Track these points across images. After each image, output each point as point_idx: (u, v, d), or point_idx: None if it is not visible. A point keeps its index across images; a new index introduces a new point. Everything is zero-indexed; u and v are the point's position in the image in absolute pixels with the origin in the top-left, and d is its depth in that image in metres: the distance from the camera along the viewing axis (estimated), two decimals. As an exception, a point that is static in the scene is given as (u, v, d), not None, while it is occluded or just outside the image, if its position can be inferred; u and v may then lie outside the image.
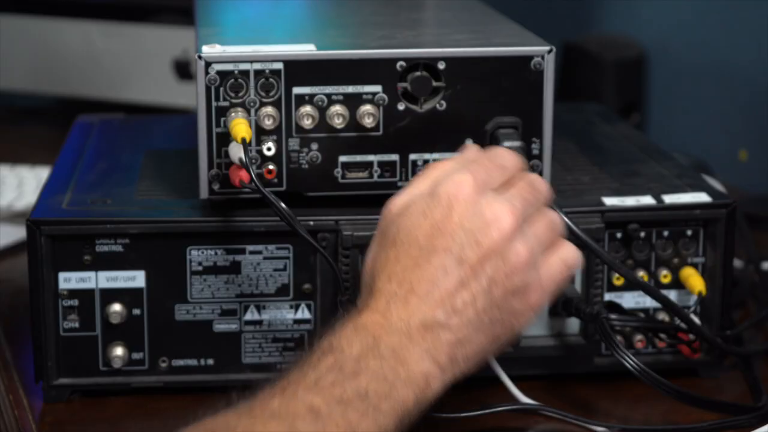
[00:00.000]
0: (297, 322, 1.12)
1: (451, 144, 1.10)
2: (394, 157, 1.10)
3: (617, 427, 1.06)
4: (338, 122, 1.07)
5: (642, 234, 1.13)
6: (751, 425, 1.06)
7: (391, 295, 0.91)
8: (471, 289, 0.90)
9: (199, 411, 0.88)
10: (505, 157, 0.98)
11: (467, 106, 1.09)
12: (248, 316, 1.11)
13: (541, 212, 0.96)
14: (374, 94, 1.08)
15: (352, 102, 1.08)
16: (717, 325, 1.14)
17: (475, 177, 0.93)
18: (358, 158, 1.10)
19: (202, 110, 1.07)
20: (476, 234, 0.91)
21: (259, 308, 1.11)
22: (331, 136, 1.09)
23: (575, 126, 1.39)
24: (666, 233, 1.14)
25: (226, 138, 1.07)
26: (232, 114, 1.07)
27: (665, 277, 1.14)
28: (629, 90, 1.84)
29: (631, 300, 1.14)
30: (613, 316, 1.08)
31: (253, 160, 1.08)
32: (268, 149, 1.08)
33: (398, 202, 0.96)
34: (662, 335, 1.13)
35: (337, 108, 1.07)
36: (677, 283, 1.14)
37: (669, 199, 1.14)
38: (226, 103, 1.07)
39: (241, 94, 1.07)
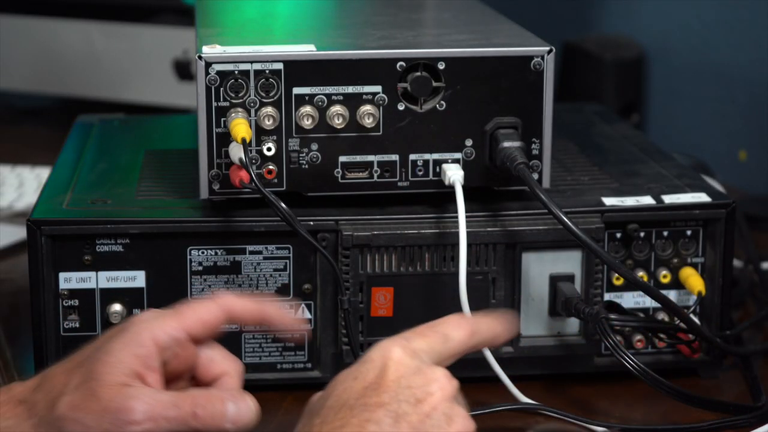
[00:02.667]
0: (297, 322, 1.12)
1: (451, 144, 1.10)
2: (394, 157, 1.10)
3: (617, 427, 1.06)
4: (338, 122, 1.07)
5: (642, 234, 1.13)
6: (751, 425, 1.06)
7: None
8: None
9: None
10: (450, 325, 0.90)
11: (467, 106, 1.09)
12: (248, 316, 1.11)
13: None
14: (374, 94, 1.08)
15: (352, 102, 1.08)
16: (716, 325, 1.14)
17: (409, 340, 0.87)
18: (358, 158, 1.10)
19: (202, 110, 1.07)
20: (415, 391, 0.84)
21: (259, 308, 1.11)
22: (331, 136, 1.09)
23: (575, 126, 1.39)
24: (666, 233, 1.14)
25: (226, 138, 1.07)
26: (233, 114, 1.07)
27: (665, 277, 1.14)
28: (629, 90, 1.84)
29: (630, 300, 1.14)
30: (613, 316, 1.08)
31: (253, 160, 1.08)
32: (268, 149, 1.08)
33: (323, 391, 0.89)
34: (662, 335, 1.13)
35: (337, 108, 1.07)
36: (677, 283, 1.14)
37: (669, 199, 1.14)
38: (227, 104, 1.07)
39: (241, 95, 1.07)
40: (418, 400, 0.84)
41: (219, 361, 0.95)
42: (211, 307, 0.94)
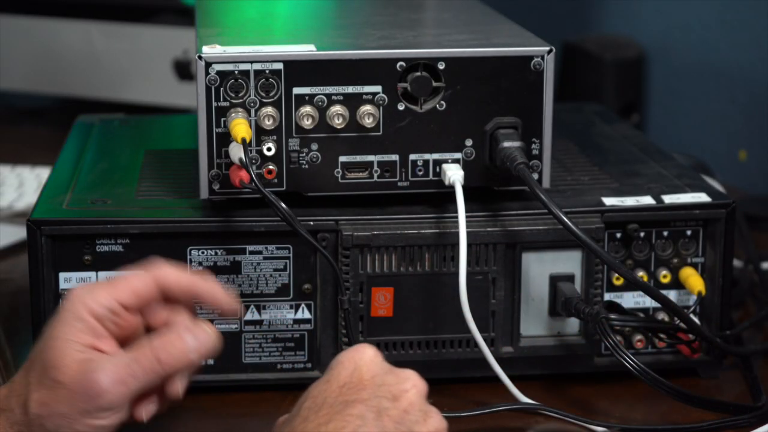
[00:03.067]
0: (297, 322, 1.12)
1: (451, 144, 1.10)
2: (394, 157, 1.10)
3: (617, 427, 1.06)
4: (338, 122, 1.08)
5: (642, 234, 1.13)
6: (751, 425, 1.06)
7: None
8: None
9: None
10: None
11: (467, 106, 1.09)
12: (248, 316, 1.12)
13: None
14: (374, 94, 1.08)
15: (352, 102, 1.08)
16: (716, 325, 1.14)
17: (375, 349, 0.90)
18: (358, 158, 1.10)
19: (202, 110, 1.07)
20: (391, 388, 0.87)
21: (259, 308, 1.11)
22: (331, 136, 1.09)
23: (575, 126, 1.39)
24: (666, 233, 1.14)
25: (226, 138, 1.07)
26: (233, 114, 1.07)
27: (665, 277, 1.14)
28: (629, 90, 1.84)
29: (630, 300, 1.14)
30: (613, 316, 1.08)
31: (253, 160, 1.08)
32: (268, 149, 1.08)
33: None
34: (662, 335, 1.13)
35: (337, 108, 1.07)
36: (677, 283, 1.14)
37: (669, 199, 1.14)
38: (227, 104, 1.07)
39: (241, 95, 1.07)
40: (395, 397, 0.87)
41: (159, 310, 0.97)
42: (144, 278, 0.95)
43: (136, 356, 0.92)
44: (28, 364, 0.95)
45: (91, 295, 0.94)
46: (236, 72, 1.07)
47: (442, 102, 1.09)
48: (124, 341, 0.95)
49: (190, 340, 0.93)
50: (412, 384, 0.88)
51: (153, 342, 0.93)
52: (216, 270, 1.10)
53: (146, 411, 0.95)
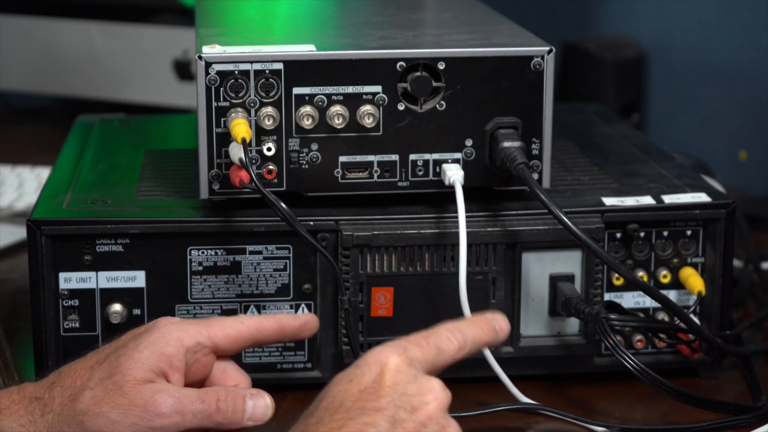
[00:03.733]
0: (297, 322, 1.12)
1: (451, 144, 1.10)
2: (394, 157, 1.10)
3: (617, 427, 1.06)
4: (338, 122, 1.08)
5: (642, 234, 1.13)
6: (751, 425, 1.06)
7: None
8: None
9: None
10: (442, 338, 0.90)
11: (467, 106, 1.09)
12: (248, 316, 1.11)
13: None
14: (374, 94, 1.08)
15: (352, 102, 1.08)
16: (716, 325, 1.14)
17: (406, 348, 0.88)
18: (358, 158, 1.10)
19: (202, 110, 1.07)
20: (411, 399, 0.85)
21: (259, 308, 1.11)
22: (331, 136, 1.09)
23: (575, 126, 1.39)
24: (666, 233, 1.14)
25: (226, 138, 1.07)
26: (233, 114, 1.07)
27: (665, 277, 1.14)
28: (629, 90, 1.84)
29: (630, 300, 1.14)
30: (613, 316, 1.08)
31: (253, 161, 1.08)
32: (268, 149, 1.08)
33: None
34: (662, 335, 1.13)
35: (337, 108, 1.08)
36: (677, 283, 1.14)
37: (669, 199, 1.14)
38: (227, 104, 1.07)
39: (241, 95, 1.07)
40: (414, 408, 0.85)
41: (231, 373, 0.99)
42: (237, 325, 0.98)
43: (201, 396, 0.94)
44: (91, 362, 0.95)
45: (187, 326, 0.97)
46: (236, 72, 1.07)
47: (442, 102, 1.09)
48: (191, 383, 0.97)
49: (249, 404, 0.95)
50: (433, 396, 0.86)
51: (219, 390, 0.95)
52: (216, 270, 1.10)
53: None
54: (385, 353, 0.87)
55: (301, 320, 1.01)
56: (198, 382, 0.98)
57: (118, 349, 0.95)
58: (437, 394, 0.86)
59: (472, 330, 0.91)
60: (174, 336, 0.95)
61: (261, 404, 0.96)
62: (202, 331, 0.97)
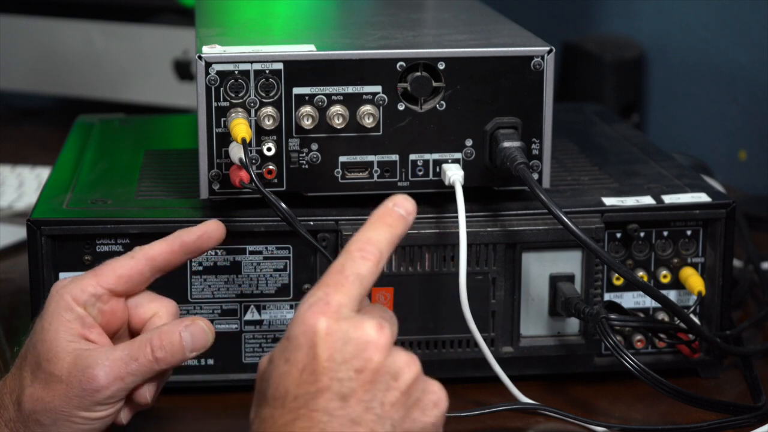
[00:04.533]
0: (297, 322, 1.12)
1: (451, 144, 1.10)
2: (394, 157, 1.10)
3: (617, 427, 1.06)
4: (338, 122, 1.08)
5: (642, 234, 1.13)
6: (751, 425, 1.06)
7: None
8: (367, 424, 0.80)
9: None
10: (357, 262, 0.85)
11: (467, 106, 1.09)
12: (248, 316, 1.12)
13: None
14: (374, 94, 1.08)
15: (352, 102, 1.08)
16: (717, 325, 1.14)
17: (328, 302, 0.82)
18: (358, 158, 1.10)
19: (202, 110, 1.07)
20: (352, 362, 0.80)
21: (259, 308, 1.11)
22: (331, 136, 1.09)
23: (575, 126, 1.39)
24: (666, 233, 1.14)
25: (226, 138, 1.07)
26: (233, 114, 1.07)
27: (665, 277, 1.14)
28: (629, 90, 1.84)
29: (630, 300, 1.14)
30: (613, 316, 1.08)
31: (253, 161, 1.08)
32: (268, 149, 1.08)
33: (269, 354, 0.85)
34: (662, 335, 1.13)
35: (337, 108, 1.07)
36: (677, 283, 1.14)
37: (669, 199, 1.14)
38: (227, 104, 1.07)
39: (241, 95, 1.07)
40: (357, 371, 0.80)
41: (145, 304, 0.98)
42: (127, 262, 0.96)
43: (132, 353, 0.92)
44: (19, 360, 0.95)
45: (75, 284, 0.95)
46: (236, 72, 1.07)
47: (442, 102, 1.09)
48: (112, 332, 0.96)
49: (186, 337, 0.94)
50: (373, 347, 0.81)
51: (150, 338, 0.93)
52: (216, 270, 1.10)
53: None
54: (310, 319, 0.81)
55: (198, 231, 0.99)
56: (119, 327, 0.97)
57: (33, 337, 0.94)
58: (375, 343, 0.81)
59: (382, 233, 0.86)
60: (66, 300, 0.94)
61: (198, 331, 0.94)
62: (92, 282, 0.95)
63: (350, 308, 0.83)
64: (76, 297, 0.94)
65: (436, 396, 0.83)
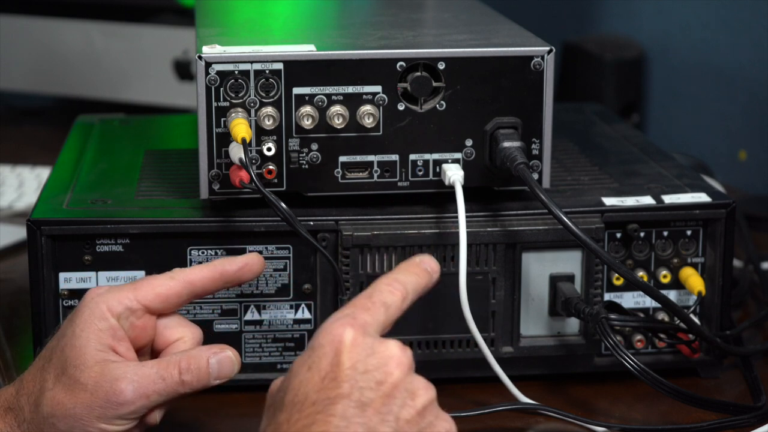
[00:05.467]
0: (297, 322, 1.12)
1: (451, 144, 1.10)
2: (394, 157, 1.10)
3: (617, 427, 1.06)
4: (338, 122, 1.07)
5: (642, 234, 1.13)
6: (751, 425, 1.06)
7: None
8: None
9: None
10: (384, 293, 0.88)
11: (467, 106, 1.09)
12: (248, 316, 1.12)
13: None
14: (374, 94, 1.08)
15: (352, 102, 1.08)
16: (717, 325, 1.14)
17: (355, 317, 0.85)
18: (358, 158, 1.10)
19: (202, 110, 1.07)
20: (374, 374, 0.82)
21: (259, 308, 1.11)
22: (331, 136, 1.09)
23: (575, 126, 1.39)
24: (666, 233, 1.14)
25: (226, 138, 1.07)
26: (233, 114, 1.07)
27: (665, 277, 1.14)
28: (629, 90, 1.84)
29: (630, 300, 1.14)
30: (613, 316, 1.08)
31: (253, 161, 1.08)
32: (268, 149, 1.08)
33: (282, 377, 0.88)
34: (662, 335, 1.13)
35: (337, 108, 1.07)
36: (677, 283, 1.14)
37: (669, 199, 1.14)
38: (226, 104, 1.07)
39: (241, 95, 1.07)
40: (378, 383, 0.82)
41: (173, 327, 0.98)
42: (166, 282, 0.97)
43: (161, 373, 0.93)
44: (42, 362, 0.94)
45: (112, 294, 0.95)
46: (236, 72, 1.07)
47: (442, 102, 1.09)
48: (137, 348, 0.96)
49: (214, 365, 0.95)
50: (395, 363, 0.83)
51: (179, 360, 0.94)
52: (216, 270, 1.10)
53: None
54: (337, 329, 0.84)
55: (240, 262, 0.99)
56: (145, 345, 0.97)
57: (60, 342, 0.94)
58: (398, 359, 0.84)
59: (409, 277, 0.90)
60: (101, 309, 0.94)
61: (225, 360, 0.95)
62: (129, 296, 0.95)
63: (375, 329, 0.86)
64: (112, 308, 0.94)
65: (449, 425, 0.85)
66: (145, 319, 0.96)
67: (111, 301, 0.94)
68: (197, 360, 0.94)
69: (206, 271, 0.98)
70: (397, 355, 0.84)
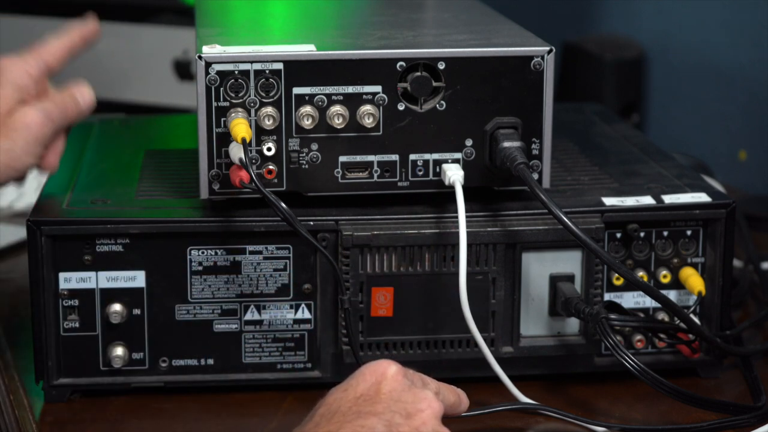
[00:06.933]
0: (297, 322, 1.12)
1: (451, 144, 1.10)
2: (394, 157, 1.10)
3: (617, 427, 1.06)
4: (338, 122, 1.08)
5: (642, 234, 1.13)
6: (751, 425, 1.06)
7: None
8: None
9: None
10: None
11: (467, 106, 1.09)
12: (248, 316, 1.12)
13: None
14: (374, 94, 1.08)
15: (352, 102, 1.08)
16: (717, 325, 1.14)
17: (399, 366, 0.92)
18: (358, 158, 1.10)
19: (202, 110, 1.07)
20: (406, 405, 0.89)
21: (259, 308, 1.11)
22: (331, 136, 1.09)
23: (575, 126, 1.39)
24: (666, 233, 1.14)
25: (226, 138, 1.07)
26: (233, 114, 1.07)
27: (665, 277, 1.14)
28: (629, 90, 1.84)
29: (630, 300, 1.14)
30: (613, 316, 1.08)
31: (253, 160, 1.08)
32: (268, 149, 1.08)
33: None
34: (662, 335, 1.13)
35: (337, 108, 1.07)
36: (677, 283, 1.14)
37: (669, 199, 1.14)
38: (227, 104, 1.07)
39: (241, 95, 1.07)
40: (408, 414, 0.88)
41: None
42: (58, 42, 1.21)
43: (48, 105, 1.13)
44: None
45: (26, 60, 1.16)
46: (236, 72, 1.07)
47: (442, 102, 1.09)
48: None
49: (79, 97, 1.16)
50: (427, 404, 0.89)
51: (61, 95, 1.15)
52: (216, 270, 1.10)
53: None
54: (383, 364, 0.91)
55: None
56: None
57: None
58: (431, 402, 0.90)
59: (449, 395, 0.97)
60: (20, 68, 1.14)
61: (86, 92, 1.17)
62: (37, 60, 1.17)
63: (417, 381, 0.93)
64: (28, 70, 1.17)
65: None
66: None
67: (26, 65, 1.17)
68: (70, 94, 1.16)
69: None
70: (430, 397, 0.90)
